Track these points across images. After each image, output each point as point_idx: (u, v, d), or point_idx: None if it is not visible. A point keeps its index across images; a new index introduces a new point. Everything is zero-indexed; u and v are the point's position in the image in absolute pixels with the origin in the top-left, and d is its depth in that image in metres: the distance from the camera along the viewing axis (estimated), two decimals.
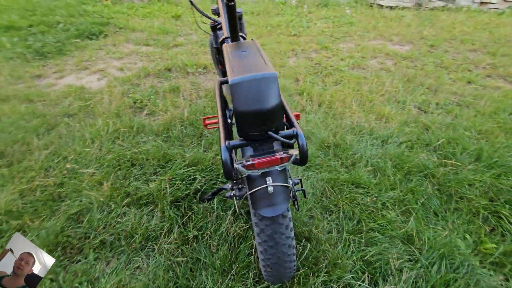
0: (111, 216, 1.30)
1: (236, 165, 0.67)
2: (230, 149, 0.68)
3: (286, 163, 0.71)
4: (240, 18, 1.96)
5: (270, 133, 0.68)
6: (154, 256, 1.16)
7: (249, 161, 0.67)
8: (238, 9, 1.89)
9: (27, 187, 1.43)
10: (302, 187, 1.25)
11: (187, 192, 1.41)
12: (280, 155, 0.69)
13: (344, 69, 2.95)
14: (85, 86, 2.46)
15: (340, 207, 1.40)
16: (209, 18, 1.66)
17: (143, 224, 1.27)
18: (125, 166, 1.58)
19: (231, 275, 1.09)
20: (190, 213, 1.32)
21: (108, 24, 4.04)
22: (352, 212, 1.37)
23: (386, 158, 1.70)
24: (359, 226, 1.30)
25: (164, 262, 1.13)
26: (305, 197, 1.30)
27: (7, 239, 1.22)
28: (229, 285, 1.05)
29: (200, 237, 1.23)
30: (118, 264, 1.14)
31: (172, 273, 1.10)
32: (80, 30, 3.63)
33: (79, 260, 1.15)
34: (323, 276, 1.06)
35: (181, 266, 1.12)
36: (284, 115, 0.74)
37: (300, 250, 1.17)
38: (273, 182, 0.74)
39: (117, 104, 2.14)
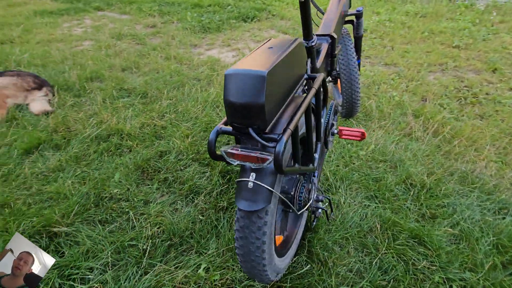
0: (179, 163, 1.63)
1: (221, 149, 0.73)
2: (218, 132, 0.74)
3: (262, 164, 0.70)
4: (359, 17, 1.82)
5: (250, 129, 0.69)
6: (189, 207, 1.40)
7: (231, 149, 0.71)
8: (359, 8, 1.76)
9: (147, 122, 1.97)
10: (331, 208, 1.15)
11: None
12: (257, 154, 0.69)
13: (505, 102, 2.20)
14: (220, 60, 2.97)
15: (381, 253, 1.18)
16: (323, 14, 1.64)
17: (195, 179, 1.52)
18: (210, 130, 1.89)
19: (232, 253, 1.17)
20: (231, 187, 1.47)
21: (264, 10, 4.55)
22: (393, 266, 1.13)
23: (488, 229, 1.25)
24: (391, 284, 1.07)
25: (192, 214, 1.34)
26: (328, 220, 1.18)
27: (121, 152, 1.76)
28: (225, 259, 1.15)
29: (228, 209, 1.37)
30: (166, 200, 1.44)
31: (192, 226, 1.29)
32: (241, 13, 4.28)
33: (147, 184, 1.53)
34: None
35: (201, 224, 1.30)
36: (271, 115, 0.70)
37: (302, 266, 1.10)
38: (256, 179, 0.75)
39: None
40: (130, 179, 1.54)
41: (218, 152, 0.75)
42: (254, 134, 0.68)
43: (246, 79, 0.63)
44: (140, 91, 2.34)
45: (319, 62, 1.24)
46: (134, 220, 1.33)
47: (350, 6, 1.85)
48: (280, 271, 1.00)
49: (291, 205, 0.92)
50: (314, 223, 1.15)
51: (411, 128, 1.97)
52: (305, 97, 0.82)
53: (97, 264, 1.12)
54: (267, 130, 0.70)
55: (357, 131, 1.26)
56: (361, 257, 1.20)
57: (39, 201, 1.41)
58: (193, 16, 4.16)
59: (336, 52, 1.38)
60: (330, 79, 1.40)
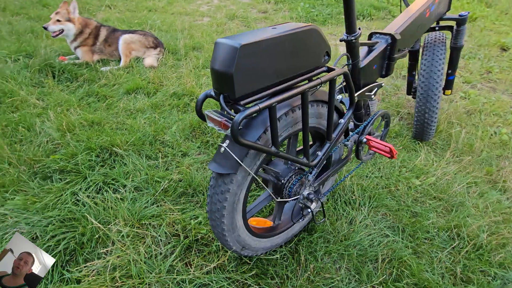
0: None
1: (205, 111, 0.82)
2: (207, 95, 0.82)
3: (226, 130, 0.75)
4: (461, 23, 1.51)
5: (221, 95, 0.74)
6: None
7: (210, 111, 0.79)
8: (463, 12, 1.46)
9: None
10: (323, 212, 1.09)
11: None
12: (222, 120, 0.74)
13: None
14: None
15: (370, 285, 1.06)
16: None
17: None
18: None
19: None
20: None
21: (383, 10, 4.18)
22: None
23: None
24: None
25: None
26: (314, 222, 1.12)
27: (186, 110, 2.06)
28: None
29: None
30: (200, 158, 1.64)
31: (206, 185, 1.45)
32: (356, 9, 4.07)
33: (192, 141, 1.78)
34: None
35: None
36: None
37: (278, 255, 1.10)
38: (228, 146, 0.82)
39: None
40: (182, 133, 1.82)
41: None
42: (221, 100, 0.75)
43: (225, 49, 0.70)
44: None
45: (366, 61, 1.14)
46: (169, 164, 1.59)
47: (449, 8, 1.55)
48: (250, 248, 1.04)
49: (264, 186, 0.94)
50: (302, 220, 1.12)
51: (502, 175, 1.56)
52: (301, 86, 0.81)
53: (128, 184, 1.43)
54: (242, 102, 0.74)
55: (384, 146, 1.11)
56: (349, 279, 1.10)
57: (117, 128, 1.85)
58: (304, 7, 4.22)
59: (395, 55, 1.22)
60: (382, 84, 1.26)
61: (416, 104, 1.61)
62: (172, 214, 1.29)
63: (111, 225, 1.21)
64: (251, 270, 1.07)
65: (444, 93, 1.76)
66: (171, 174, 1.51)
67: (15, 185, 1.39)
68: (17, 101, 2.02)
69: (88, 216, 1.22)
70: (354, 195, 1.41)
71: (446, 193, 1.45)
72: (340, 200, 1.39)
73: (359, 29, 1.06)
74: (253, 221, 1.12)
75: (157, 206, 1.33)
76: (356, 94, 1.13)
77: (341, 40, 1.06)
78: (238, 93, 0.72)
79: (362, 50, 1.22)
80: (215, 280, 1.04)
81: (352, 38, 1.03)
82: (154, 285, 1.04)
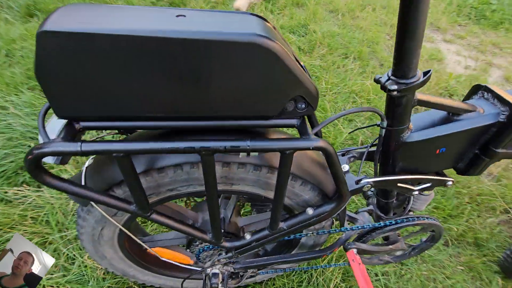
0: None
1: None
2: None
3: None
4: None
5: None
6: None
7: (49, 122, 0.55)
8: None
9: None
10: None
11: None
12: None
13: None
14: (443, 59, 2.12)
15: None
16: None
17: None
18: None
19: None
20: None
21: None
22: None
23: None
24: None
25: None
26: None
27: None
28: None
29: None
30: None
31: None
32: None
33: None
34: None
35: None
36: None
37: None
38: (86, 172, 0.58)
39: None
40: None
41: None
42: (41, 110, 0.48)
43: None
44: (331, 43, 2.11)
45: (423, 136, 0.60)
46: None
47: None
48: (136, 278, 0.84)
49: (134, 238, 0.67)
50: None
51: None
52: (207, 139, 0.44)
53: None
54: (81, 125, 0.46)
55: (361, 276, 0.62)
56: None
57: None
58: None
59: (501, 150, 0.60)
60: (449, 182, 0.68)
61: None
62: None
63: (66, 165, 1.20)
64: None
65: None
66: None
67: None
68: None
69: None
70: None
71: None
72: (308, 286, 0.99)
73: (427, 73, 0.52)
74: (168, 254, 0.90)
75: None
76: (376, 180, 0.63)
77: (376, 81, 0.55)
78: (59, 111, 0.43)
79: (430, 113, 0.65)
80: (97, 268, 0.92)
81: (394, 87, 0.52)
82: (53, 243, 1.00)
